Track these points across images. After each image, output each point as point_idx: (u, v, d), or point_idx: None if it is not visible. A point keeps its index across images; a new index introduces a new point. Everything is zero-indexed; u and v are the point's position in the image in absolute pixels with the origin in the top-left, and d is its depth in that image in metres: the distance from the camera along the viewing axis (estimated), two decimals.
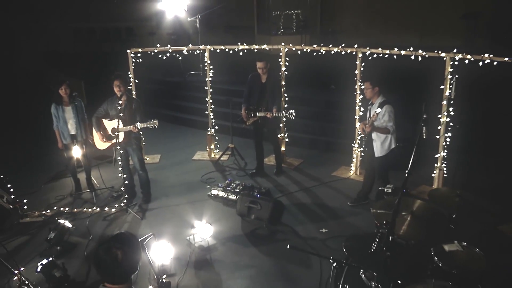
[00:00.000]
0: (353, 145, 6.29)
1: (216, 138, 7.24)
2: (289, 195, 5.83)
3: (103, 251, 2.08)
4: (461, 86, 5.92)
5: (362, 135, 5.40)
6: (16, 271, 3.06)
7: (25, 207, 5.50)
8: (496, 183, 5.52)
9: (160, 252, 4.26)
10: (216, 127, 7.20)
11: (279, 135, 6.59)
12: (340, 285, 3.38)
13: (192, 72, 9.49)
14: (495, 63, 4.71)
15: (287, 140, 6.51)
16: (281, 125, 6.65)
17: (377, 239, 2.86)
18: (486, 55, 4.75)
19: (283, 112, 6.00)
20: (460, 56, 4.96)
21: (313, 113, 7.78)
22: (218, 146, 7.26)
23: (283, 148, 6.77)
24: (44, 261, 4.12)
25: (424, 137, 2.76)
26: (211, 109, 7.07)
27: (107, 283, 2.13)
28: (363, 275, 3.34)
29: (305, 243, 4.73)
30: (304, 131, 7.51)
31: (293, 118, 5.92)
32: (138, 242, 2.23)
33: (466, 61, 4.93)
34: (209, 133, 7.13)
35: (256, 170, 6.46)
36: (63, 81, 5.62)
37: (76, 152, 5.80)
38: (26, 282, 3.12)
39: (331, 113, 7.51)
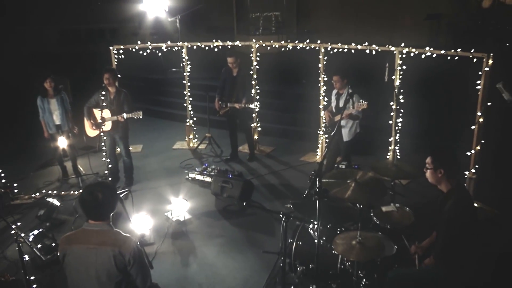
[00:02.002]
0: (319, 132, 6.89)
1: (195, 128, 7.78)
2: (259, 177, 6.40)
3: (86, 193, 2.62)
4: (420, 79, 6.61)
5: (326, 123, 6.01)
6: (13, 226, 3.55)
7: (15, 191, 5.96)
8: None
9: (140, 223, 4.79)
10: (194, 119, 7.74)
11: (251, 125, 7.14)
12: (294, 242, 3.98)
13: (173, 70, 10.02)
14: (434, 55, 5.38)
15: (259, 129, 7.08)
16: (253, 115, 7.20)
17: (308, 188, 3.46)
18: (427, 48, 5.41)
19: (249, 104, 6.43)
20: (407, 49, 5.62)
21: (285, 106, 8.37)
22: (197, 136, 7.80)
23: (256, 137, 7.33)
24: (36, 232, 4.64)
25: (353, 108, 3.34)
26: (189, 102, 7.62)
27: (90, 219, 2.67)
28: (311, 231, 3.94)
29: (271, 216, 5.29)
30: (277, 122, 8.10)
31: (258, 109, 6.59)
32: (115, 189, 2.78)
33: (412, 54, 5.58)
34: (187, 123, 7.67)
35: (230, 157, 7.01)
36: (47, 75, 6.04)
37: (62, 142, 6.26)
38: (23, 235, 3.61)
39: (301, 105, 8.08)
